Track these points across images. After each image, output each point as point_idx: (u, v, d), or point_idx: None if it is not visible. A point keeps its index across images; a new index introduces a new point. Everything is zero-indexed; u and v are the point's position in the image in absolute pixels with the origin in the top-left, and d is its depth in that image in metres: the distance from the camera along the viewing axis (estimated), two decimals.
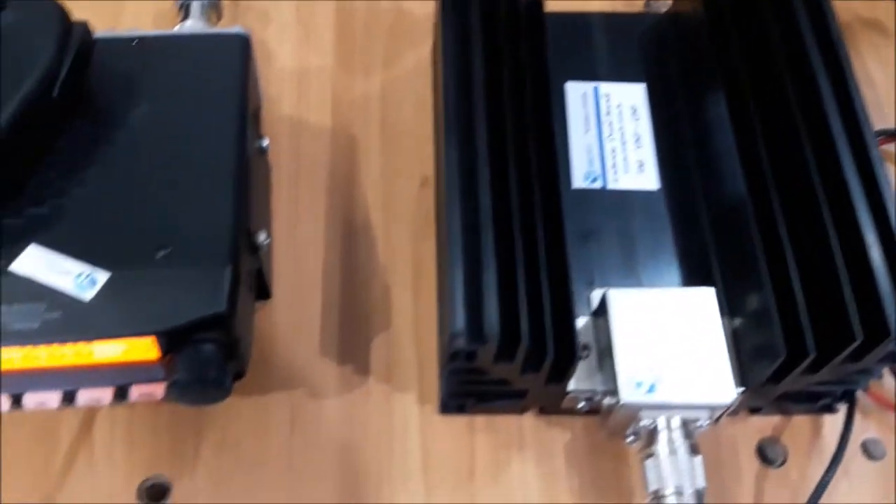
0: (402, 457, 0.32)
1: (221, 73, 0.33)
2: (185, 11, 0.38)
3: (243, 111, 0.32)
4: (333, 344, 0.34)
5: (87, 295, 0.26)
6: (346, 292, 0.35)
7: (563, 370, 0.28)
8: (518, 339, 0.26)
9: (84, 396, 0.28)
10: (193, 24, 0.36)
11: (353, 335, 0.34)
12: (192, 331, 0.26)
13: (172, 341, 0.26)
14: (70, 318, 0.26)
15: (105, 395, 0.28)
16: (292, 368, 0.33)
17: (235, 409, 0.32)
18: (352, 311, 0.35)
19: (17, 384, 0.27)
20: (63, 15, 0.31)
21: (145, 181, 0.29)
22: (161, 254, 0.27)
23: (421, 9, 0.42)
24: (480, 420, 0.33)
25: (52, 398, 0.27)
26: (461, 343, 0.26)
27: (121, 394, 0.28)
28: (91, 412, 0.32)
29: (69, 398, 0.28)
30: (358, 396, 0.33)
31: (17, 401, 0.28)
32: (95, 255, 0.27)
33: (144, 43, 0.33)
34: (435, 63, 0.39)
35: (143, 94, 0.32)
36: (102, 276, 0.27)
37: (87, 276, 0.27)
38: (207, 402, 0.27)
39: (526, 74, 0.33)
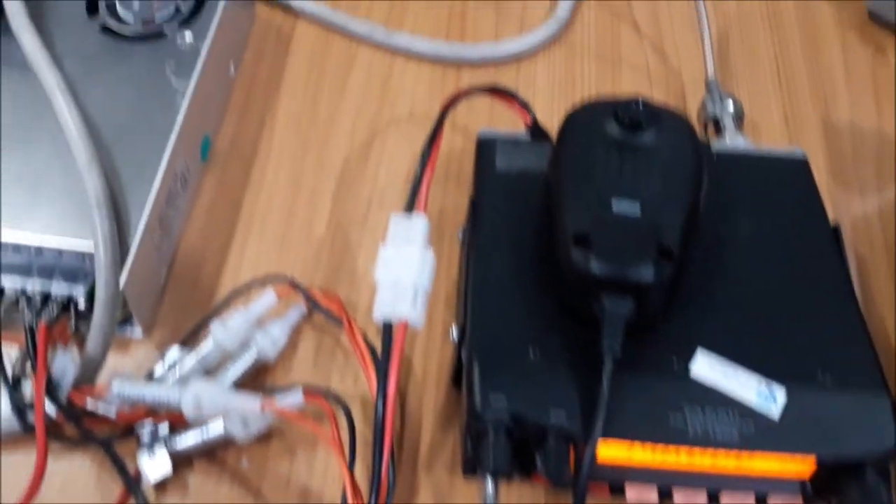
0: None
1: (798, 191, 0.35)
2: (715, 125, 0.41)
3: (834, 231, 0.35)
4: None
5: (774, 410, 0.28)
6: None
7: None
8: None
9: (727, 498, 0.29)
10: (741, 141, 0.39)
11: None
12: (855, 458, 0.28)
13: (833, 465, 0.28)
14: (762, 432, 0.28)
15: (748, 499, 0.29)
16: None
17: None
18: None
19: (674, 480, 0.29)
20: (693, 129, 0.34)
21: (767, 292, 0.32)
22: (819, 375, 0.29)
23: None
24: None
25: (699, 496, 0.30)
26: None
27: (760, 501, 0.30)
28: None
29: (713, 498, 0.30)
30: None
31: (665, 494, 0.30)
32: (754, 366, 0.29)
33: (721, 157, 0.37)
34: None
35: (734, 206, 0.34)
36: (780, 392, 0.29)
37: (767, 389, 0.29)
38: None
39: None
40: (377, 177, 0.41)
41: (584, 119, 0.33)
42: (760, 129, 0.44)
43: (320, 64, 0.46)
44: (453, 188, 0.41)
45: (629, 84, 0.45)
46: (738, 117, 0.41)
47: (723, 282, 0.32)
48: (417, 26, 0.47)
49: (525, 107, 0.38)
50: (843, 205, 0.42)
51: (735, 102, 0.41)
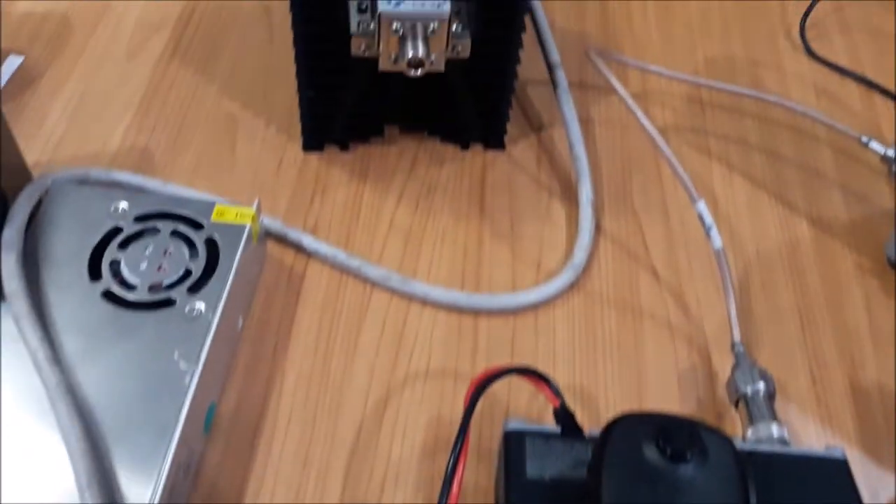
0: None
1: (835, 496, 0.34)
2: (747, 408, 0.39)
3: None
4: None
5: None
6: None
7: None
8: None
9: None
10: (775, 429, 0.37)
11: None
12: None
13: None
14: None
15: None
16: None
17: None
18: None
19: None
20: (737, 454, 0.31)
21: None
22: None
23: None
24: None
25: None
26: None
27: None
28: None
29: None
30: None
31: None
32: None
33: (757, 460, 0.35)
34: None
35: None
36: None
37: None
38: None
39: None
40: (391, 449, 0.39)
41: (623, 443, 0.31)
42: (788, 390, 0.42)
43: (333, 310, 0.44)
44: (473, 460, 0.39)
45: (652, 337, 0.43)
46: (770, 396, 0.39)
47: None
48: (433, 267, 0.46)
49: (556, 392, 0.36)
50: (878, 483, 0.39)
51: (766, 380, 0.39)
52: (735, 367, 0.40)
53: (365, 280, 0.45)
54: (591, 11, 0.62)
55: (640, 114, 0.46)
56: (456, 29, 0.45)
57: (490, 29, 0.46)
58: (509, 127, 0.52)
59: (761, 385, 0.39)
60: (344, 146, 0.51)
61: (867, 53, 0.60)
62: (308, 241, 0.45)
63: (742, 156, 0.53)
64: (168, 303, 0.38)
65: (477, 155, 0.52)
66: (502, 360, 0.43)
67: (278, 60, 0.55)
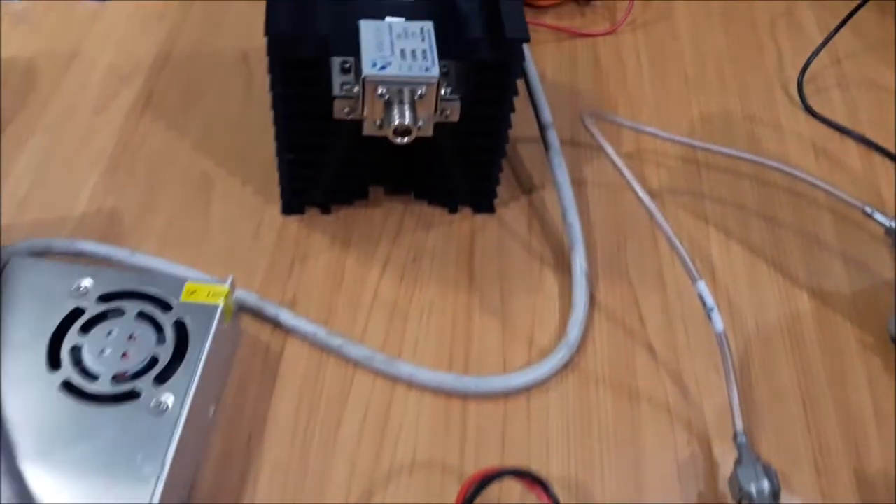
0: None
1: None
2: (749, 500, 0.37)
3: None
4: None
5: None
6: None
7: None
8: None
9: None
10: None
11: None
12: None
13: None
14: None
15: None
16: None
17: None
18: None
19: None
20: None
21: None
22: None
23: None
24: None
25: None
26: None
27: None
28: None
29: None
30: None
31: None
32: None
33: None
34: None
35: None
36: None
37: None
38: None
39: None
40: None
41: None
42: (792, 483, 0.40)
43: (312, 394, 0.41)
44: None
45: (650, 423, 0.41)
46: (775, 494, 0.37)
47: None
48: (419, 345, 0.43)
49: (554, 499, 0.34)
50: None
51: (770, 477, 0.37)
52: (738, 463, 0.38)
53: (347, 360, 0.42)
54: (584, 63, 0.60)
55: (636, 185, 0.43)
56: (445, 92, 0.43)
57: (481, 90, 0.44)
58: (499, 188, 0.50)
59: (765, 484, 0.37)
60: (326, 209, 0.48)
61: (866, 109, 0.59)
62: (286, 316, 0.43)
63: (740, 221, 0.51)
64: (132, 395, 0.35)
65: (465, 219, 0.49)
66: (493, 449, 0.40)
67: (257, 113, 0.52)
